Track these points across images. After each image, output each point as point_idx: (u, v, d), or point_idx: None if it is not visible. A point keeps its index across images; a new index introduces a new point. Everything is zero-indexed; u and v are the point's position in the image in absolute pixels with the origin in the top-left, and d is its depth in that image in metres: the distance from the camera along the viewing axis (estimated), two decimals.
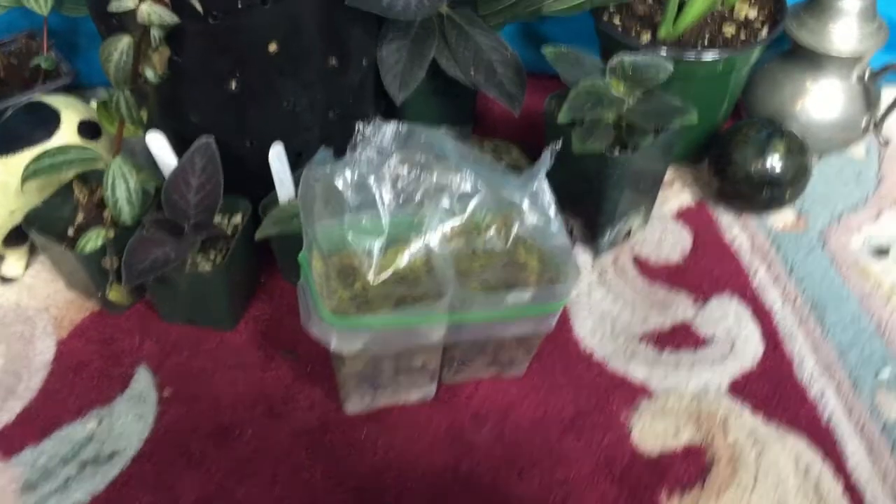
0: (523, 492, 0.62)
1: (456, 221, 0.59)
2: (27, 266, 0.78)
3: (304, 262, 0.57)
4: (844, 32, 0.82)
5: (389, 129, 0.60)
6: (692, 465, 0.64)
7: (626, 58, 0.71)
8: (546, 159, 0.60)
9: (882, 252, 0.81)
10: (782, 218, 0.85)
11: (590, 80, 0.70)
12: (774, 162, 0.78)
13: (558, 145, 0.60)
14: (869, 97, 0.86)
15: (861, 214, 0.85)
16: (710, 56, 0.77)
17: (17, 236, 0.73)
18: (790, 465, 0.64)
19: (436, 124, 0.88)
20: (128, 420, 0.67)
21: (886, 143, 0.89)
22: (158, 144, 0.68)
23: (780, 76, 0.87)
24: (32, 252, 0.79)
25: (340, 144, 0.78)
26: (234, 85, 0.68)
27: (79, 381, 0.69)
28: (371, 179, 0.58)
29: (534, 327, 0.61)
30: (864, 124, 0.87)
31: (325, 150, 0.59)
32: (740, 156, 0.79)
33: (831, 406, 0.68)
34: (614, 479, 0.63)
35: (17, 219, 0.71)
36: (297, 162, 0.74)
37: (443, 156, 0.60)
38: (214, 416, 0.67)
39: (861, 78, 0.85)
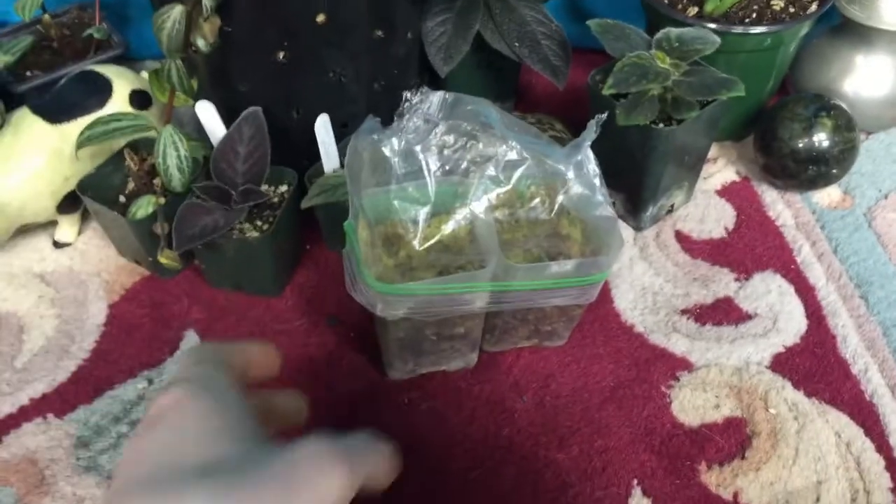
0: (563, 459, 0.63)
1: (501, 190, 0.60)
2: (80, 232, 0.81)
3: (350, 229, 0.58)
4: (895, 6, 0.80)
5: (436, 98, 0.61)
6: (732, 437, 0.64)
7: (673, 31, 0.71)
8: (591, 130, 0.60)
9: None
10: (828, 195, 0.84)
11: (635, 53, 0.70)
12: (821, 138, 0.77)
13: (604, 116, 0.60)
14: None
15: None
16: (757, 30, 0.76)
17: (70, 203, 0.75)
18: (831, 441, 0.64)
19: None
20: None
21: None
22: (208, 113, 0.70)
23: (829, 51, 0.86)
24: (85, 218, 0.81)
25: (385, 116, 0.79)
26: (281, 55, 0.69)
27: (129, 343, 0.71)
28: (418, 148, 0.59)
29: (576, 297, 0.62)
30: None
31: (373, 119, 0.60)
32: (786, 132, 0.78)
33: (874, 383, 0.67)
34: (654, 449, 0.63)
35: (71, 185, 0.73)
36: (342, 133, 0.75)
37: (488, 125, 0.60)
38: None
39: None
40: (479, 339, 0.66)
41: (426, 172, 0.59)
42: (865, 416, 0.65)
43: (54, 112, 0.73)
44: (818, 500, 0.60)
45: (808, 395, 0.67)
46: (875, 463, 0.62)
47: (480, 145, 0.60)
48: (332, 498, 0.34)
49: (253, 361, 0.43)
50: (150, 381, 0.68)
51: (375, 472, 0.39)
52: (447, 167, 0.60)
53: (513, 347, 0.70)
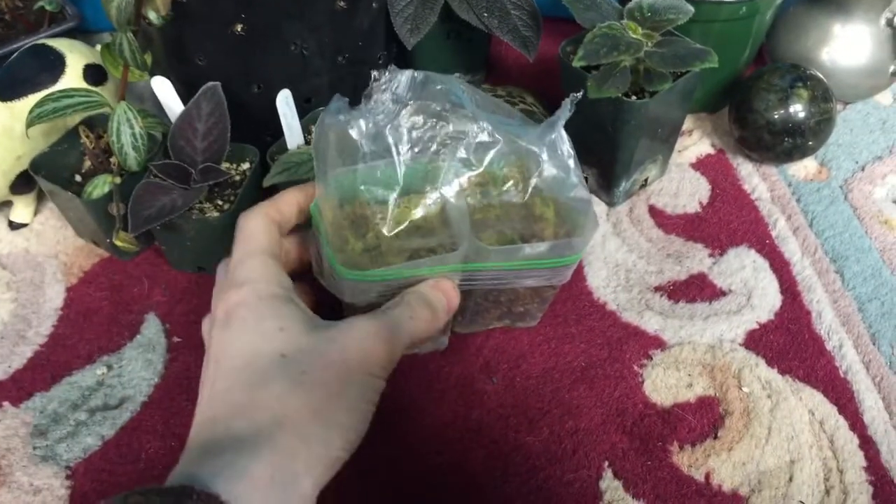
0: (533, 441, 0.62)
1: (472, 173, 0.57)
2: (36, 213, 0.78)
3: (316, 211, 0.56)
4: None
5: (405, 77, 0.58)
6: (705, 417, 0.63)
7: (645, 0, 0.69)
8: (566, 108, 0.58)
9: None
10: (804, 167, 0.82)
11: (606, 23, 0.68)
12: (797, 110, 0.76)
13: (579, 95, 0.58)
14: None
15: (886, 164, 0.83)
16: None
17: (24, 182, 0.73)
18: (805, 419, 0.63)
19: (448, 70, 0.86)
20: (137, 367, 0.66)
21: None
22: (164, 89, 0.67)
23: (806, 20, 0.84)
24: (41, 199, 0.79)
25: (350, 90, 0.76)
26: (239, 27, 0.66)
27: (88, 327, 0.69)
28: (387, 129, 0.57)
29: (549, 279, 0.60)
30: (892, 70, 0.84)
31: (340, 98, 0.58)
32: (761, 103, 0.77)
33: (849, 359, 0.67)
34: (625, 430, 0.62)
35: (24, 164, 0.70)
36: (305, 108, 0.72)
37: (459, 104, 0.58)
38: None
39: (889, 22, 0.82)
40: (451, 321, 0.64)
41: (395, 154, 0.56)
42: (839, 393, 0.65)
43: (4, 88, 0.70)
44: (791, 479, 0.60)
45: (782, 372, 0.66)
46: (849, 441, 0.62)
47: (451, 126, 0.58)
48: (378, 369, 0.44)
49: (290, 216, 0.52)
50: (110, 367, 0.66)
51: (420, 334, 0.48)
52: (416, 149, 0.57)
53: (485, 328, 0.68)
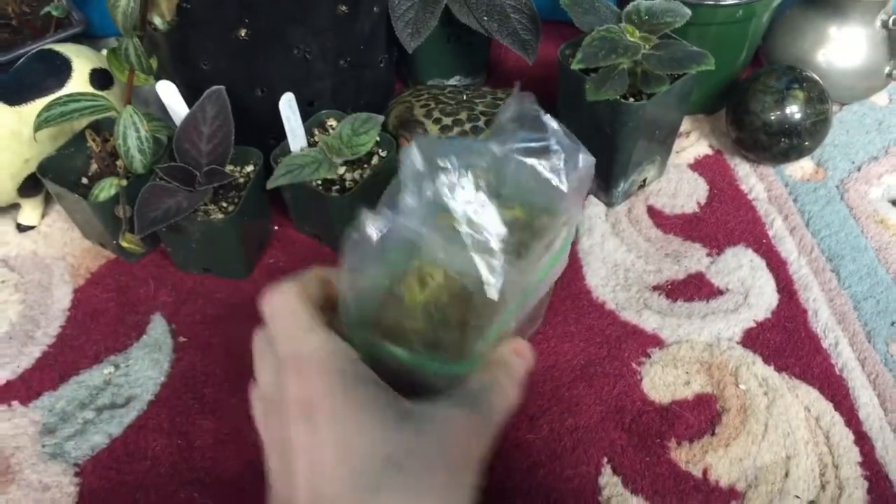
0: (534, 438, 0.63)
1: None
2: (43, 215, 0.79)
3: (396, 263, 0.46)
4: None
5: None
6: (702, 414, 0.64)
7: (643, 3, 0.70)
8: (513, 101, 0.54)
9: None
10: (801, 168, 0.83)
11: (605, 26, 0.69)
12: (793, 111, 0.77)
13: (519, 87, 0.54)
14: (892, 44, 0.85)
15: (882, 164, 0.84)
16: (728, 2, 0.75)
17: (32, 185, 0.74)
18: (801, 415, 0.64)
19: (448, 73, 0.88)
20: (143, 366, 0.67)
21: None
22: (169, 93, 0.68)
23: (802, 22, 0.85)
24: (48, 202, 0.80)
25: (352, 93, 0.78)
26: (243, 32, 0.67)
27: (95, 328, 0.70)
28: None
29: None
30: (887, 71, 0.85)
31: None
32: (758, 105, 0.78)
33: (845, 356, 0.67)
34: (624, 427, 0.63)
35: (32, 167, 0.71)
36: (308, 111, 0.74)
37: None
38: (229, 362, 0.68)
39: (885, 24, 0.83)
40: None
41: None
42: (835, 390, 0.65)
43: (12, 93, 0.71)
44: (787, 475, 0.61)
45: (779, 370, 0.67)
46: (844, 437, 0.63)
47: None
48: (477, 467, 0.39)
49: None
50: (117, 367, 0.68)
51: (508, 406, 0.42)
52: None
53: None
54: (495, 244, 0.44)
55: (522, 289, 0.47)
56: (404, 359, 0.43)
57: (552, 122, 0.50)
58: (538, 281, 0.50)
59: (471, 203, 0.45)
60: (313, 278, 0.45)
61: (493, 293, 0.42)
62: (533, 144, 0.50)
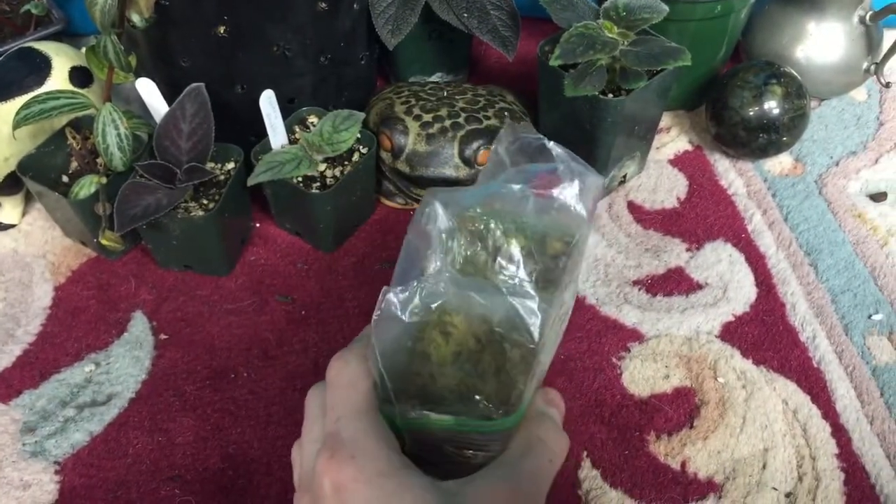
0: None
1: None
2: (24, 213, 0.79)
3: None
4: None
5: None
6: (681, 407, 0.65)
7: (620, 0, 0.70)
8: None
9: (879, 196, 0.80)
10: (779, 163, 0.84)
11: (583, 23, 0.69)
12: (771, 106, 0.77)
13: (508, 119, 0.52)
14: (871, 39, 0.85)
15: (860, 159, 0.85)
16: None
17: (12, 184, 0.74)
18: (779, 408, 0.65)
19: (430, 70, 0.88)
20: (124, 364, 0.67)
21: (888, 85, 0.88)
22: (149, 90, 0.68)
23: (781, 18, 0.86)
24: (28, 200, 0.80)
25: (333, 90, 0.78)
26: (222, 29, 0.67)
27: (76, 325, 0.70)
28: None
29: None
30: (865, 67, 0.86)
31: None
32: (737, 100, 0.78)
33: (822, 349, 0.68)
34: (604, 420, 0.64)
35: (12, 166, 0.71)
36: (289, 108, 0.74)
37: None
38: (210, 359, 0.68)
39: (863, 19, 0.84)
40: None
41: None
42: (813, 383, 0.66)
43: None
44: (765, 466, 0.61)
45: (757, 363, 0.67)
46: (821, 429, 0.63)
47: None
48: None
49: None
50: (97, 364, 0.67)
51: (555, 464, 0.41)
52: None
53: None
54: (529, 286, 0.43)
55: (554, 322, 0.45)
56: (449, 425, 0.42)
57: (557, 148, 0.49)
58: (565, 312, 0.49)
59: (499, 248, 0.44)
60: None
61: (535, 334, 0.40)
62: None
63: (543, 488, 0.39)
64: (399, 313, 0.41)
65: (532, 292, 0.42)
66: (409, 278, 0.42)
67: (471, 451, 0.44)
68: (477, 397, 0.41)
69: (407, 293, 0.41)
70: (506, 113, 0.75)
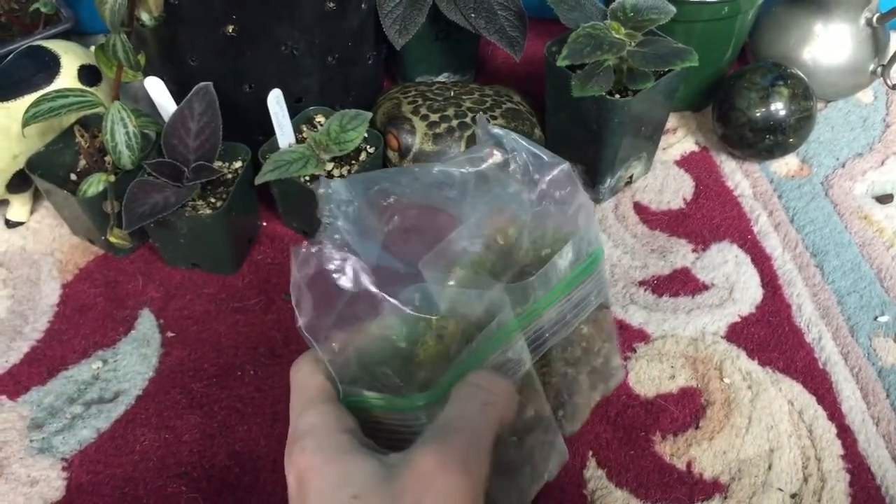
0: None
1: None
2: (32, 211, 0.79)
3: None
4: None
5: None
6: (687, 407, 0.65)
7: (628, 0, 0.70)
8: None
9: (885, 198, 0.80)
10: (786, 164, 0.84)
11: (590, 23, 0.69)
12: (778, 107, 0.77)
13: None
14: (877, 41, 0.85)
15: (866, 161, 0.84)
16: None
17: (20, 181, 0.74)
18: (784, 409, 0.65)
19: (437, 70, 0.88)
20: (131, 361, 0.68)
21: (894, 87, 0.88)
22: (157, 89, 0.69)
23: (787, 20, 0.86)
24: (37, 198, 0.80)
25: (340, 90, 0.78)
26: (231, 28, 0.68)
27: (84, 323, 0.71)
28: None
29: (596, 294, 0.50)
30: (871, 69, 0.86)
31: None
32: (743, 101, 0.78)
33: (828, 351, 0.68)
34: (609, 420, 0.64)
35: (21, 163, 0.72)
36: (296, 108, 0.74)
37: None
38: (216, 357, 0.68)
39: (869, 21, 0.84)
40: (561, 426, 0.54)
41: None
42: (818, 384, 0.66)
43: (0, 89, 0.71)
44: (770, 467, 0.61)
45: (762, 364, 0.67)
46: (827, 430, 0.63)
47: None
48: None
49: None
50: (105, 362, 0.68)
51: (508, 414, 0.42)
52: None
53: (588, 414, 0.56)
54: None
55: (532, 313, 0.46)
56: (380, 405, 0.43)
57: (517, 141, 0.50)
58: (549, 302, 0.48)
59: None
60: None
61: (440, 308, 0.43)
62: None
63: (482, 433, 0.39)
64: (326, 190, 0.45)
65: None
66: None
67: (406, 430, 0.45)
68: (385, 371, 0.43)
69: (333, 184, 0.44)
70: (513, 113, 0.75)
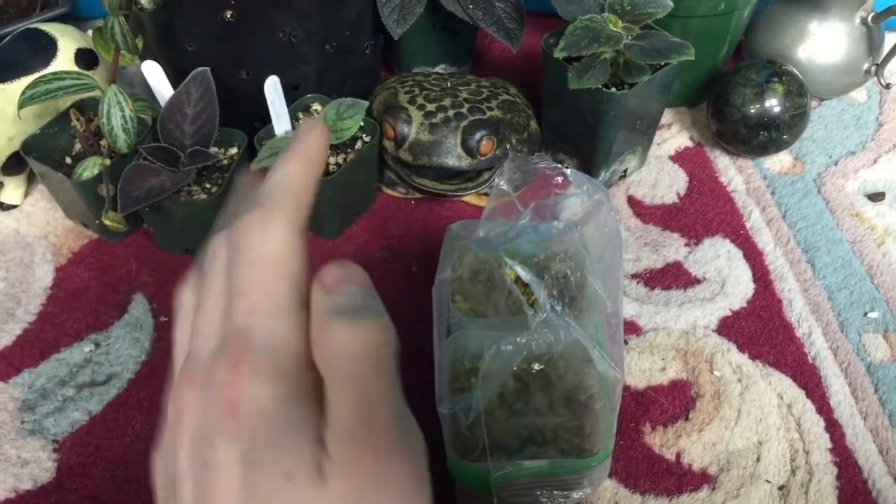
0: None
1: None
2: (26, 194, 0.79)
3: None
4: None
5: None
6: (677, 399, 0.65)
7: None
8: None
9: (877, 196, 0.81)
10: (779, 161, 0.85)
11: (588, 16, 0.69)
12: (772, 104, 0.78)
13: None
14: (872, 40, 0.86)
15: (859, 159, 0.85)
16: None
17: (15, 164, 0.74)
18: (773, 402, 0.65)
19: (434, 61, 0.88)
20: (124, 345, 0.68)
21: (888, 86, 0.88)
22: (154, 73, 0.68)
23: (783, 18, 0.86)
24: (31, 181, 0.80)
25: (337, 78, 0.78)
26: (229, 14, 0.68)
27: (77, 306, 0.71)
28: None
29: None
30: (866, 68, 0.86)
31: None
32: (738, 97, 0.79)
33: (818, 346, 0.69)
34: None
35: (16, 146, 0.71)
36: (293, 95, 0.74)
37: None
38: None
39: (864, 20, 0.84)
40: None
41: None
42: (807, 378, 0.67)
43: None
44: (758, 459, 0.62)
45: (753, 357, 0.68)
46: (815, 424, 0.64)
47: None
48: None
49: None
50: (97, 345, 0.68)
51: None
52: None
53: None
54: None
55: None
56: (542, 470, 0.46)
57: (576, 173, 0.55)
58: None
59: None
60: (296, 185, 0.32)
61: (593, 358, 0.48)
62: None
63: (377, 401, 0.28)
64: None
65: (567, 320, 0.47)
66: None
67: (558, 492, 0.49)
68: (573, 438, 0.46)
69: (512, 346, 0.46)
70: (508, 105, 0.75)
